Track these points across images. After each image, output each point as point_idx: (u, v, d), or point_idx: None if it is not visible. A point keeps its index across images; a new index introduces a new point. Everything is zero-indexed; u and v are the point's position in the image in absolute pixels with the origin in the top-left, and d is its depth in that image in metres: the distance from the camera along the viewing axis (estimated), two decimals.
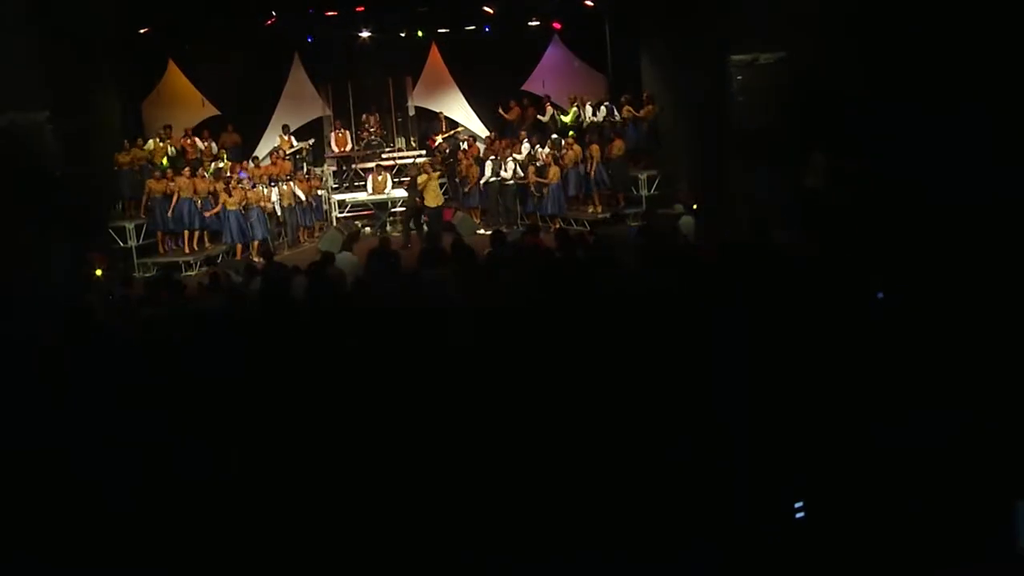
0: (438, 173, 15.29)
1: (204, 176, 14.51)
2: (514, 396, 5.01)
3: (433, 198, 14.65)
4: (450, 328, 6.53)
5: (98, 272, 11.25)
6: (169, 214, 14.06)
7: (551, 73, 18.15)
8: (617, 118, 16.09)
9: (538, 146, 15.73)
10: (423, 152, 17.46)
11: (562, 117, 16.92)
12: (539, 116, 17.20)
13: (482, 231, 14.51)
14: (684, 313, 5.93)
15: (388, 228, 16.22)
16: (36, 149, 11.04)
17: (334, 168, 17.38)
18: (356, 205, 16.83)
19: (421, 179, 14.74)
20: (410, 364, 5.52)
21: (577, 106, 16.72)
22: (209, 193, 14.21)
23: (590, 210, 15.29)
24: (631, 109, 15.96)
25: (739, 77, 12.19)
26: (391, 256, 9.45)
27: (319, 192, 16.40)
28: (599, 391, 5.00)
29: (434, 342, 6.07)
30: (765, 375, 5.01)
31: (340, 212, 16.73)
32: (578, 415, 4.86)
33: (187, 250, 14.19)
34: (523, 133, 16.31)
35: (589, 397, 4.97)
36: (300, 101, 17.96)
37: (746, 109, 12.10)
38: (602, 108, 16.38)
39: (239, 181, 14.49)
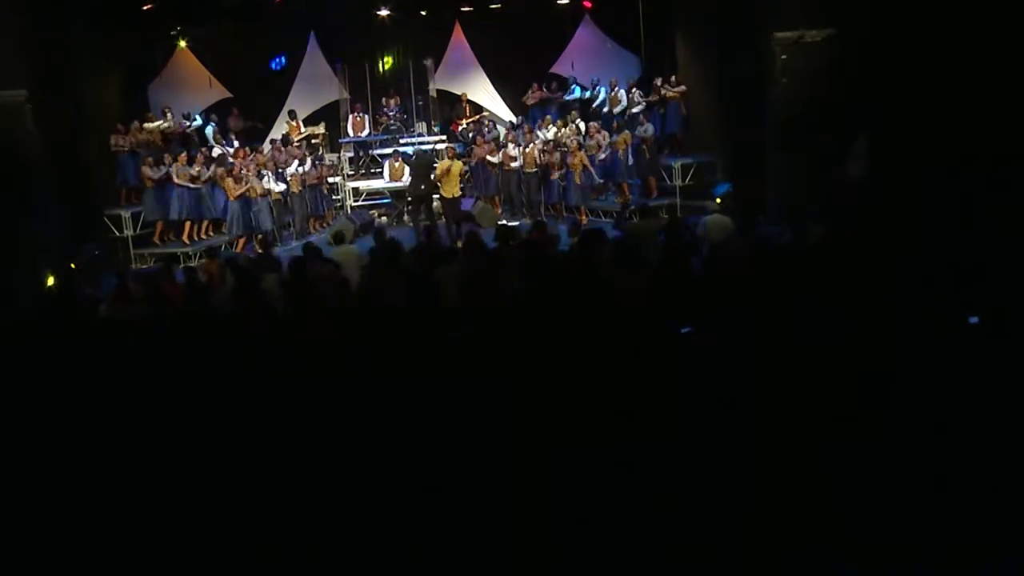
0: (461, 163, 14.31)
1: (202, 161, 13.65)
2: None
3: (451, 188, 13.63)
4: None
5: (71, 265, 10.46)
6: (164, 202, 13.27)
7: (581, 54, 17.17)
8: (642, 103, 15.16)
9: (564, 129, 14.79)
10: (444, 137, 16.57)
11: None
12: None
13: (504, 222, 13.51)
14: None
15: (405, 218, 15.33)
16: (14, 130, 10.25)
17: (350, 154, 16.53)
18: (372, 193, 15.96)
19: (442, 166, 13.71)
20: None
21: (602, 88, 15.92)
22: (209, 179, 13.38)
23: (618, 200, 14.29)
24: (659, 90, 15.02)
25: (783, 57, 11.41)
26: (395, 253, 8.53)
27: (331, 180, 15.55)
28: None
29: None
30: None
31: (355, 200, 15.87)
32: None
33: (186, 240, 13.37)
34: (547, 117, 15.51)
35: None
36: (316, 83, 17.12)
37: (790, 92, 11.35)
38: (632, 92, 15.39)
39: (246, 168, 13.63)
